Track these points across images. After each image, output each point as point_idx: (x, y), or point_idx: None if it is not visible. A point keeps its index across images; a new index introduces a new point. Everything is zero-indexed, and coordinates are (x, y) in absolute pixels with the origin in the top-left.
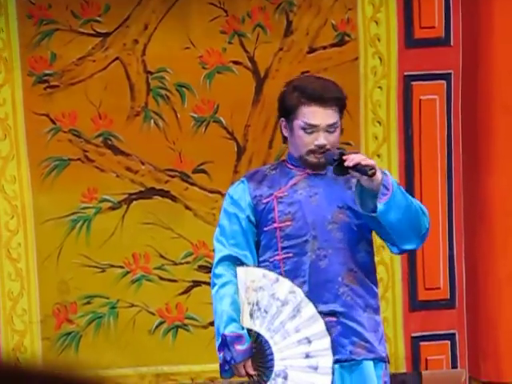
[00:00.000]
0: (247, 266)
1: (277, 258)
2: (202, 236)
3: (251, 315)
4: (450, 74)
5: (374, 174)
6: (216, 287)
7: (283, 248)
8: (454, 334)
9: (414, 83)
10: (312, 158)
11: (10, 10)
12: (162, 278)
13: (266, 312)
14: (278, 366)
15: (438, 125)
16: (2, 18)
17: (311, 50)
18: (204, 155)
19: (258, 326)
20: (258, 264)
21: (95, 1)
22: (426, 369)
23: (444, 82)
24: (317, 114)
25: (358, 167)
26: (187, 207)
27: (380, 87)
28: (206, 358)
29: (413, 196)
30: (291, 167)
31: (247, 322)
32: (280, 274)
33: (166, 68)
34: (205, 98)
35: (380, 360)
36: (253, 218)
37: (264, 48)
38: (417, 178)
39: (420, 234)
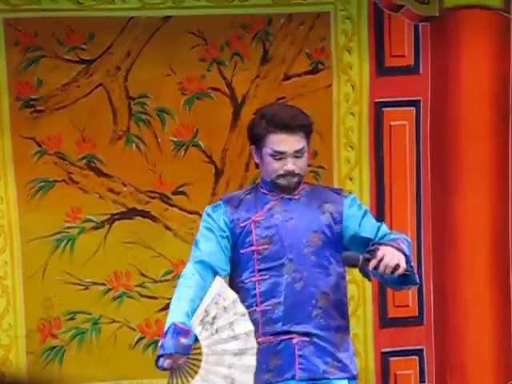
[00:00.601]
0: (228, 283)
1: (253, 279)
2: (182, 255)
3: (201, 322)
4: (419, 100)
5: (412, 268)
6: (183, 284)
7: (260, 270)
8: (421, 350)
9: (384, 109)
10: (282, 181)
11: None
12: (142, 295)
13: (216, 331)
14: (197, 381)
15: (407, 149)
16: None
17: (286, 78)
18: (183, 177)
19: (203, 337)
20: (233, 284)
21: (80, 29)
22: (395, 383)
23: (413, 108)
24: (284, 142)
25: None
26: (167, 227)
27: (352, 113)
28: None
29: (383, 217)
30: (266, 192)
31: (196, 327)
32: (255, 295)
33: (148, 94)
34: (184, 123)
35: (353, 378)
36: (230, 239)
37: (241, 75)
38: (387, 200)
39: None
